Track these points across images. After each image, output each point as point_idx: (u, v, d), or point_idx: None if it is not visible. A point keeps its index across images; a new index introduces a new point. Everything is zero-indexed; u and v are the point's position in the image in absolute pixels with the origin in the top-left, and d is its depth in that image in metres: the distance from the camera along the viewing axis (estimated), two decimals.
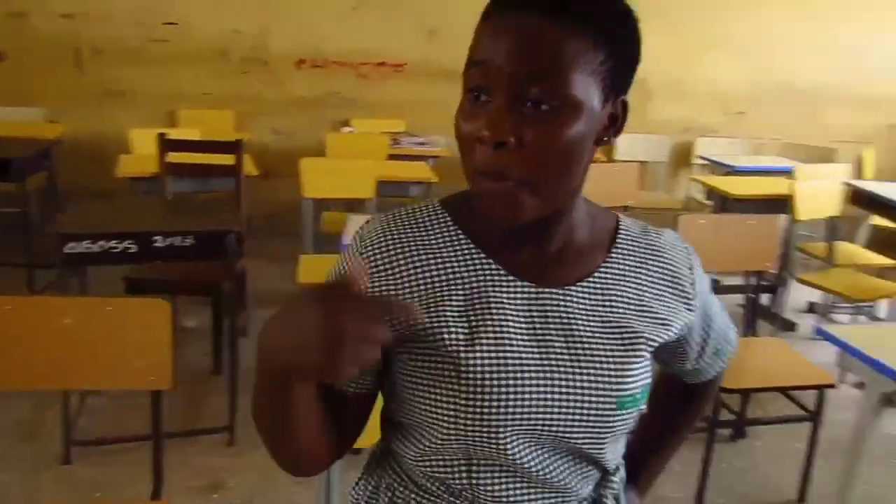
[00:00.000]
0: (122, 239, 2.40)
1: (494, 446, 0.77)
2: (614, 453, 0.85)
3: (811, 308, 4.24)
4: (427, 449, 0.81)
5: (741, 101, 5.21)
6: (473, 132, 0.72)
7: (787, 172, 4.29)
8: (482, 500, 0.81)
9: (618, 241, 0.86)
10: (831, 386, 2.36)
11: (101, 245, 2.38)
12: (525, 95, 0.70)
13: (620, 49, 0.74)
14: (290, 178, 4.84)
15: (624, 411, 0.80)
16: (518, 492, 0.81)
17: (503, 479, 0.80)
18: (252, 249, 3.22)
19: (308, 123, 4.90)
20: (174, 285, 2.91)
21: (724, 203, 3.97)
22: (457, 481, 0.81)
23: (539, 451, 0.79)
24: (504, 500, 0.81)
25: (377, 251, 0.80)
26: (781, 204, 3.60)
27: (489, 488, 0.80)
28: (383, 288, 0.79)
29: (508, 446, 0.77)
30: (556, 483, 0.81)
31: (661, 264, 0.87)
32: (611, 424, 0.79)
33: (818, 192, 3.72)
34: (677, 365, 0.95)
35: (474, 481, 0.80)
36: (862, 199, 4.14)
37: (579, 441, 0.79)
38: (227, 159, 3.33)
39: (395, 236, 0.81)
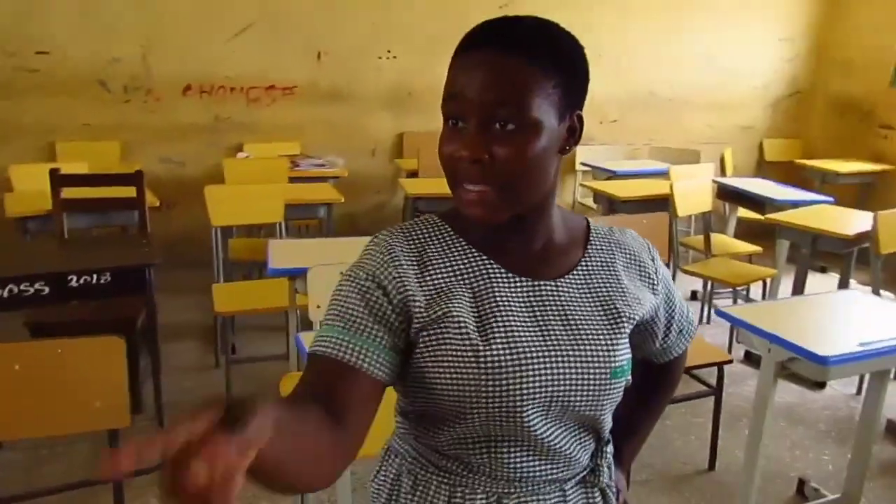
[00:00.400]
0: (32, 281, 2.30)
1: (514, 421, 0.88)
2: (607, 424, 0.99)
3: (694, 296, 4.64)
4: (450, 432, 0.91)
5: (615, 110, 5.62)
6: (454, 153, 0.86)
7: (662, 174, 4.69)
8: (501, 473, 0.92)
9: (591, 239, 1.01)
10: (729, 362, 2.63)
11: (9, 289, 2.27)
12: (494, 119, 0.84)
13: (569, 73, 0.88)
14: (185, 208, 4.75)
15: (616, 380, 0.94)
16: (531, 461, 0.92)
17: (519, 452, 0.91)
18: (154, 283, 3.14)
19: (199, 150, 4.79)
20: (86, 325, 2.78)
21: (612, 205, 4.28)
22: (477, 457, 0.91)
23: (549, 423, 0.91)
24: (520, 469, 0.92)
25: (396, 251, 0.90)
26: (662, 203, 3.94)
27: (507, 460, 0.91)
28: (401, 288, 0.88)
29: (526, 420, 0.88)
30: (562, 451, 0.93)
31: (627, 256, 1.02)
32: (607, 392, 0.93)
33: (692, 191, 4.10)
34: (648, 345, 1.09)
35: (494, 456, 0.91)
36: (727, 194, 4.61)
37: (583, 407, 0.92)
38: (126, 192, 3.22)
39: (409, 243, 0.92)
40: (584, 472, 0.99)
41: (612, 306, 0.96)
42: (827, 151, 6.01)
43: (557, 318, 0.92)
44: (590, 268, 0.98)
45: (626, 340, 0.97)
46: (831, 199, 4.15)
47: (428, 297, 0.88)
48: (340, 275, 0.93)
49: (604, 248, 1.01)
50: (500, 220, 0.88)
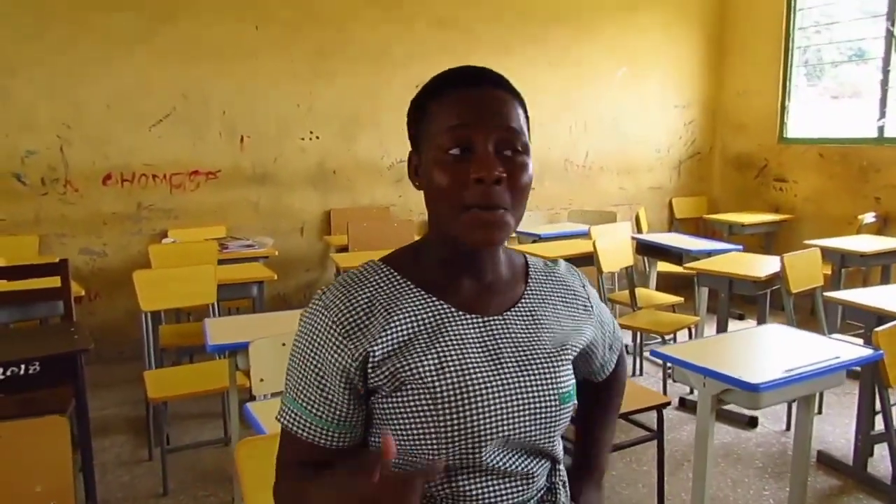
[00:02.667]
0: None
1: (474, 455, 0.92)
2: (559, 446, 1.04)
3: (626, 350, 4.77)
4: (410, 467, 0.93)
5: (533, 179, 5.84)
6: (464, 176, 0.91)
7: (583, 234, 4.89)
8: (462, 501, 0.95)
9: (530, 274, 1.09)
10: (667, 404, 2.73)
11: None
12: (508, 145, 0.93)
13: (525, 108, 1.00)
14: (108, 299, 4.61)
15: (564, 405, 1.00)
16: (490, 487, 0.96)
17: (477, 480, 0.95)
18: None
19: (122, 239, 4.69)
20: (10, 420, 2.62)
21: None
22: (439, 491, 0.94)
23: (507, 451, 0.96)
24: (481, 497, 0.95)
25: (345, 316, 0.94)
26: (587, 260, 4.10)
27: (467, 490, 0.94)
28: (359, 344, 0.92)
29: (485, 452, 0.93)
30: (519, 474, 0.97)
31: (563, 288, 1.10)
32: (557, 418, 0.99)
33: (613, 248, 4.29)
34: (588, 366, 1.16)
35: (455, 487, 0.94)
36: (646, 249, 4.84)
37: (537, 436, 0.97)
38: (49, 282, 3.11)
39: (356, 298, 0.95)
40: (542, 492, 1.02)
41: (555, 336, 1.03)
42: (730, 205, 6.44)
43: (509, 350, 0.98)
44: (532, 301, 1.05)
45: (570, 367, 1.03)
46: (740, 247, 4.43)
47: (384, 350, 0.92)
48: (288, 345, 1.01)
49: (542, 281, 1.09)
50: (502, 241, 0.95)
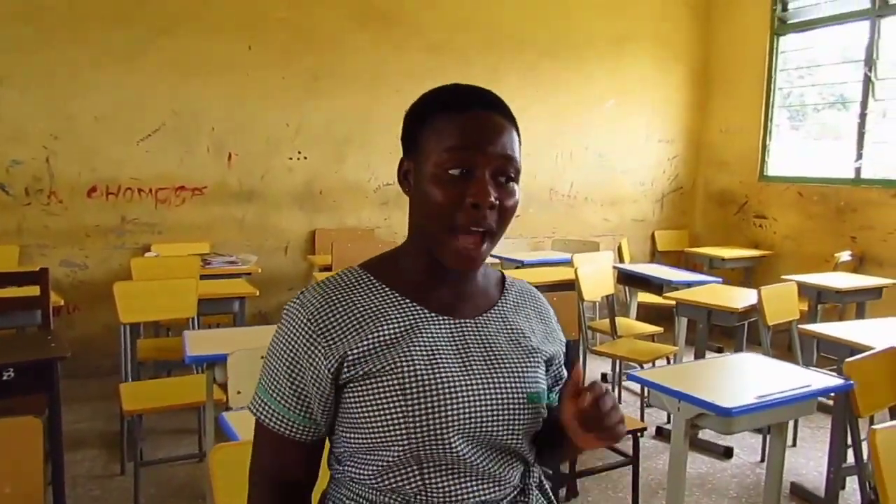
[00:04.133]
0: None
1: (442, 446, 0.94)
2: (530, 448, 1.05)
3: (604, 377, 4.80)
4: (382, 466, 0.96)
5: (518, 207, 5.91)
6: (460, 197, 0.94)
7: (566, 262, 4.94)
8: (435, 499, 0.96)
9: (506, 286, 1.13)
10: (644, 429, 2.74)
11: None
12: (503, 172, 0.97)
13: (519, 133, 1.03)
14: (87, 312, 4.58)
15: (531, 404, 1.02)
16: (461, 485, 0.97)
17: (448, 476, 0.96)
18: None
19: (104, 252, 4.67)
20: None
21: None
22: (411, 486, 0.95)
23: (475, 447, 0.97)
24: (452, 494, 0.96)
25: (322, 315, 0.97)
26: (569, 287, 4.14)
27: (438, 485, 0.96)
28: (333, 345, 0.95)
29: (453, 444, 0.94)
30: (490, 473, 0.99)
31: (536, 306, 1.15)
32: (523, 414, 1.01)
33: (595, 275, 4.34)
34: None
35: (426, 482, 0.95)
36: (627, 279, 4.89)
37: (502, 432, 0.99)
38: (27, 291, 3.09)
39: (334, 299, 0.98)
40: (515, 493, 1.03)
41: (526, 342, 1.06)
42: (711, 240, 6.52)
43: (478, 351, 1.01)
44: (506, 309, 1.09)
45: (542, 370, 1.06)
46: (719, 279, 4.49)
47: (360, 351, 0.95)
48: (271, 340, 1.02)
49: (517, 295, 1.13)
50: (478, 266, 1.00)
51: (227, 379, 2.30)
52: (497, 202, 0.95)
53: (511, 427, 0.99)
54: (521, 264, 4.95)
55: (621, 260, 5.81)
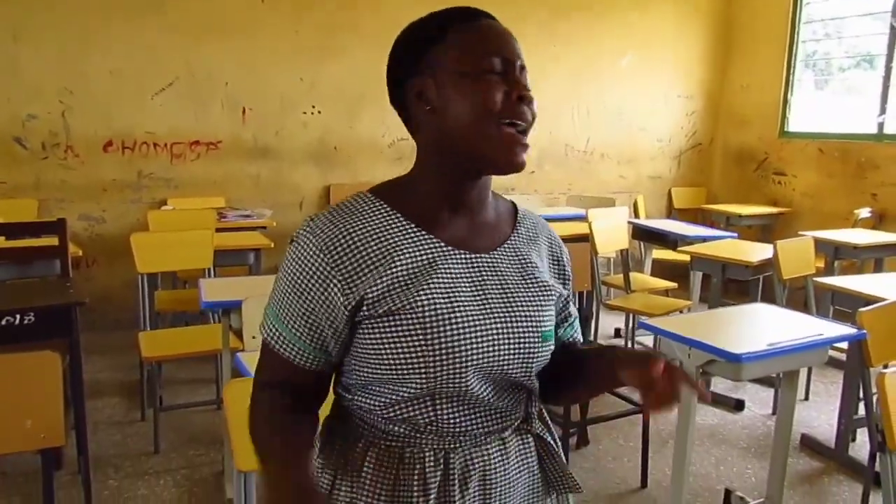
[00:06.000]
0: None
1: (459, 382, 0.94)
2: (536, 382, 1.05)
3: (617, 333, 4.82)
4: (395, 399, 0.96)
5: (533, 163, 5.88)
6: (508, 93, 0.94)
7: (581, 218, 4.92)
8: (445, 429, 0.97)
9: (518, 218, 1.11)
10: None
11: None
12: (523, 76, 0.98)
13: None
14: (106, 266, 4.64)
15: (545, 343, 1.02)
16: (471, 416, 0.98)
17: (459, 408, 0.97)
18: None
19: (121, 207, 4.71)
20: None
21: None
22: (423, 416, 0.96)
23: (489, 382, 0.98)
24: (462, 424, 0.98)
25: (336, 248, 0.94)
26: (583, 241, 4.13)
27: (449, 416, 0.97)
28: (349, 282, 0.93)
29: (469, 380, 0.95)
30: (498, 406, 1.00)
31: (548, 240, 1.13)
32: (536, 353, 1.01)
33: (610, 230, 4.32)
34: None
35: (438, 413, 0.96)
36: (642, 234, 4.87)
37: (517, 368, 0.99)
38: (47, 241, 3.14)
39: (348, 230, 0.95)
40: (518, 422, 1.05)
41: (540, 277, 1.05)
42: (728, 197, 6.45)
43: (495, 287, 1.00)
44: (519, 243, 1.07)
45: (553, 308, 1.06)
46: (735, 234, 4.45)
47: (378, 290, 0.93)
48: (290, 243, 0.98)
49: (529, 227, 1.10)
50: (524, 166, 0.98)
51: (243, 325, 2.33)
52: (530, 93, 0.96)
53: (525, 364, 1.00)
54: None
55: (637, 216, 5.77)
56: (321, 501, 0.93)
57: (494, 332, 0.97)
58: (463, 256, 0.99)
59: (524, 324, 0.99)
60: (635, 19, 6.09)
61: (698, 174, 6.70)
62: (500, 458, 1.01)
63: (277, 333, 0.98)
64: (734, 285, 4.22)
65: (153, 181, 4.80)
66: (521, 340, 0.99)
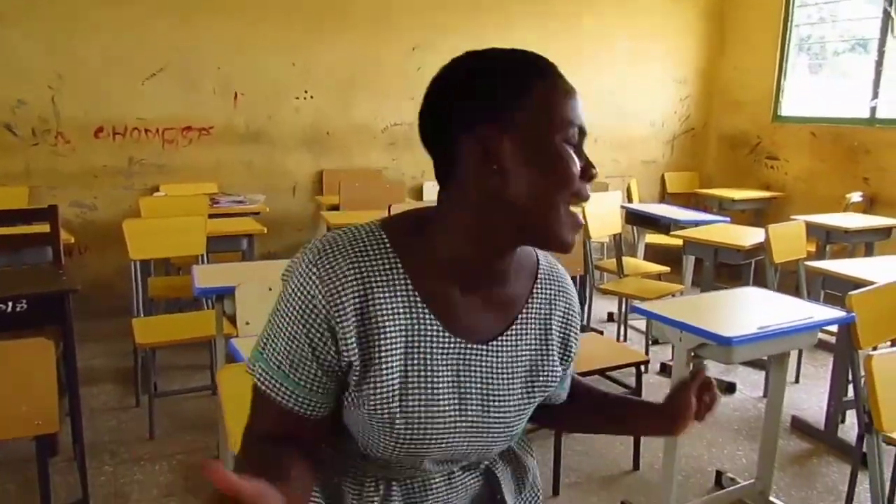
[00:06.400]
0: None
1: (411, 466, 0.95)
2: None
3: (610, 317, 4.84)
4: (357, 448, 0.94)
5: None
6: (583, 170, 0.86)
7: None
8: (395, 471, 0.96)
9: (539, 278, 0.99)
10: (647, 362, 2.78)
11: None
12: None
13: None
14: (98, 253, 4.63)
15: (514, 436, 1.00)
16: (426, 468, 0.97)
17: (418, 467, 0.96)
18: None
19: (113, 193, 4.69)
20: None
21: None
22: (376, 462, 0.95)
23: (444, 462, 0.97)
24: (412, 472, 0.97)
25: (343, 299, 0.84)
26: None
27: (407, 468, 0.96)
28: (349, 343, 0.85)
29: (424, 466, 0.95)
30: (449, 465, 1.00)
31: (565, 302, 1.01)
32: (506, 445, 1.01)
33: (603, 215, 4.33)
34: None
35: (395, 464, 0.95)
36: (635, 218, 4.88)
37: (476, 457, 1.00)
38: (38, 229, 3.13)
39: (358, 279, 0.85)
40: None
41: (533, 375, 0.97)
42: (722, 182, 6.47)
43: (477, 385, 0.92)
44: (527, 322, 0.97)
45: (531, 409, 1.00)
46: (728, 219, 4.47)
47: (363, 343, 0.86)
48: (282, 279, 0.90)
49: (546, 294, 1.00)
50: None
51: (236, 311, 2.34)
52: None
53: (487, 455, 1.00)
54: None
55: (630, 200, 5.78)
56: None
57: (465, 437, 0.93)
58: (455, 345, 0.90)
59: (500, 428, 0.95)
60: (629, 3, 6.07)
61: (691, 158, 6.71)
62: (444, 491, 1.01)
63: (278, 384, 0.88)
64: (727, 269, 4.24)
65: (145, 167, 4.78)
66: (489, 440, 0.95)
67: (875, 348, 2.46)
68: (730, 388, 3.72)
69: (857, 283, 2.88)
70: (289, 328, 0.86)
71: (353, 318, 0.84)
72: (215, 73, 4.84)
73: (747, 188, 6.13)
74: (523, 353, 0.96)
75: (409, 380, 0.87)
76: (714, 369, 3.84)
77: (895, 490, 2.68)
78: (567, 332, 1.02)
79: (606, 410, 1.13)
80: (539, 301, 0.98)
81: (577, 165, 0.85)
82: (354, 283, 0.84)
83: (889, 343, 2.52)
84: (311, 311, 0.84)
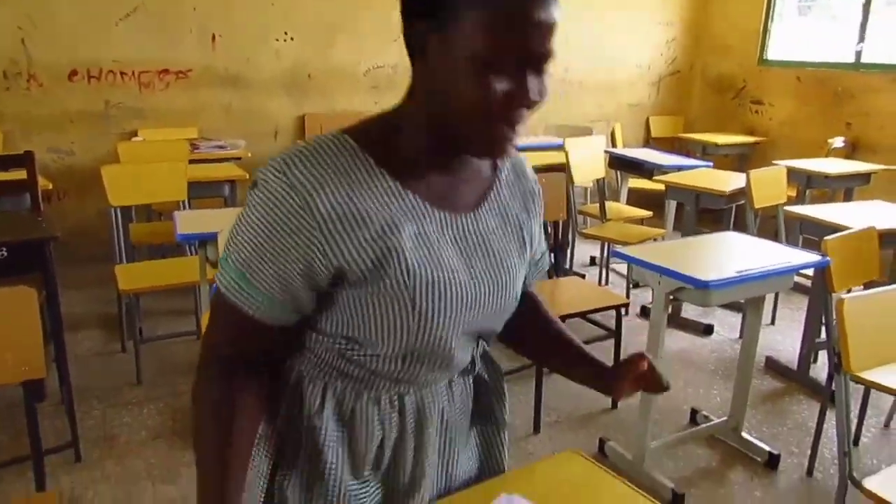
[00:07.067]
0: None
1: (438, 346, 0.93)
2: None
3: (592, 261, 4.89)
4: (366, 353, 0.93)
5: None
6: (518, 98, 0.80)
7: (558, 147, 4.90)
8: (405, 380, 0.97)
9: (500, 162, 1.02)
10: (626, 305, 2.83)
11: None
12: (543, 66, 0.82)
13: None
14: (77, 199, 4.57)
15: (517, 300, 1.02)
16: (434, 373, 0.99)
17: (427, 367, 0.97)
18: None
19: (90, 138, 4.61)
20: None
21: None
22: (388, 369, 0.95)
23: (461, 340, 0.97)
24: (422, 378, 0.99)
25: (318, 201, 0.83)
26: (560, 171, 4.13)
27: (414, 373, 0.97)
28: (333, 242, 0.84)
29: (450, 346, 0.95)
30: (459, 361, 1.01)
31: (525, 182, 1.06)
32: (511, 311, 1.02)
33: (587, 160, 4.33)
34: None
35: (404, 369, 0.95)
36: (619, 163, 4.88)
37: (493, 326, 1.01)
38: (15, 175, 3.08)
39: (330, 183, 0.83)
40: (464, 366, 1.07)
41: (521, 234, 1.02)
42: (706, 126, 6.46)
43: (479, 250, 0.95)
44: (500, 194, 1.01)
45: (525, 266, 1.05)
46: (710, 163, 4.49)
47: (358, 253, 0.85)
48: (248, 193, 0.88)
49: (510, 171, 1.04)
50: (510, 156, 0.90)
51: (219, 257, 2.34)
52: (540, 97, 0.82)
53: (500, 323, 1.02)
54: None
55: (614, 145, 5.77)
56: None
57: (480, 300, 0.94)
58: (448, 218, 0.92)
59: (507, 288, 0.98)
60: None
61: (676, 102, 6.68)
62: (447, 399, 1.05)
63: (241, 290, 0.87)
64: (709, 214, 4.27)
65: (122, 111, 4.68)
66: (503, 304, 0.98)
67: (849, 291, 2.51)
68: (707, 330, 3.81)
69: (835, 228, 2.92)
70: (259, 239, 0.84)
71: (335, 221, 0.83)
72: (191, 14, 4.70)
73: (731, 133, 6.13)
74: (508, 216, 1.00)
75: (418, 259, 0.87)
76: (693, 312, 3.92)
77: (861, 426, 2.79)
78: (533, 194, 1.06)
79: (560, 347, 1.14)
80: (504, 177, 1.02)
81: (508, 91, 0.80)
82: (328, 185, 0.83)
83: (862, 286, 2.58)
84: (281, 219, 0.83)
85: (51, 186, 3.50)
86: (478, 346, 1.08)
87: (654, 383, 1.06)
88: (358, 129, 0.90)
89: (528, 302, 1.16)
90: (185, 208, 3.42)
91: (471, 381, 1.10)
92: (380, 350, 0.92)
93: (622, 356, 3.05)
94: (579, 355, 1.13)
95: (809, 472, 2.58)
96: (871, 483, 1.73)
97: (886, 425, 2.91)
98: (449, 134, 0.87)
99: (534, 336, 1.17)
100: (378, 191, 0.86)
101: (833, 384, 2.06)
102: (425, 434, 1.02)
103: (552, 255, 3.55)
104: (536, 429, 2.80)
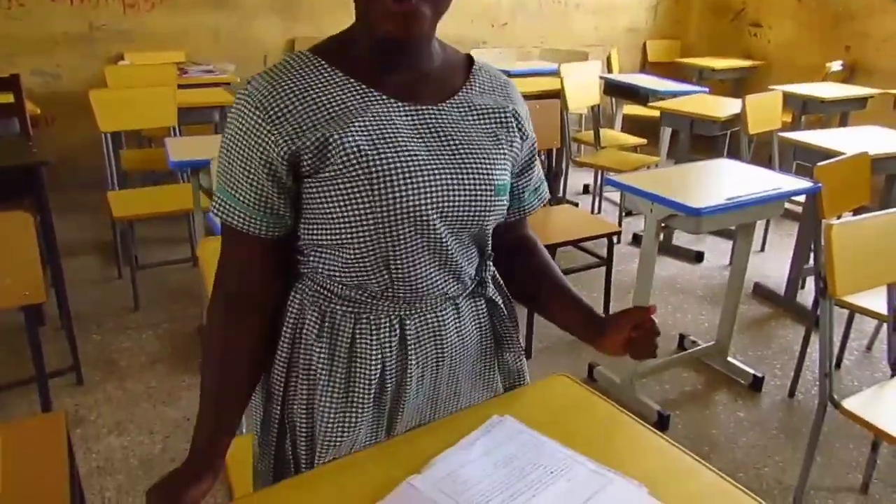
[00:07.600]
0: None
1: (410, 240, 0.93)
2: (489, 239, 1.06)
3: (585, 189, 4.90)
4: (349, 256, 0.95)
5: (505, 14, 5.68)
6: None
7: (553, 73, 4.83)
8: (401, 294, 0.98)
9: (473, 70, 1.04)
10: (618, 233, 2.85)
11: None
12: None
13: None
14: (66, 123, 4.50)
15: (498, 197, 1.00)
16: (427, 276, 0.98)
17: (415, 268, 0.97)
18: None
19: (75, 61, 4.50)
20: None
21: None
22: (378, 281, 0.96)
23: (440, 238, 0.96)
24: (418, 286, 0.98)
25: (271, 103, 0.89)
26: (555, 97, 4.08)
27: (406, 278, 0.96)
28: (286, 136, 0.88)
29: (421, 236, 0.94)
30: (453, 262, 1.00)
31: (506, 98, 1.04)
32: (490, 205, 0.99)
33: (582, 86, 4.27)
34: (514, 198, 1.12)
35: (393, 276, 0.96)
36: (614, 89, 4.82)
37: (469, 221, 0.98)
38: (1, 99, 3.02)
39: (283, 86, 0.90)
40: (473, 285, 1.07)
41: (492, 130, 1.01)
42: (704, 50, 6.35)
43: (443, 139, 0.95)
44: (471, 95, 1.01)
45: (506, 161, 1.02)
46: (706, 89, 4.43)
47: (315, 141, 0.89)
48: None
49: (486, 81, 1.03)
50: (419, 34, 0.90)
51: (213, 184, 2.33)
52: None
53: (479, 217, 0.98)
54: (507, 74, 4.82)
55: (610, 70, 5.69)
56: (211, 470, 0.97)
57: (445, 183, 0.94)
58: (408, 109, 0.95)
59: (475, 175, 0.96)
60: None
61: (674, 25, 6.54)
62: (453, 322, 1.04)
63: (227, 206, 0.94)
64: (703, 141, 4.26)
65: (106, 33, 4.55)
66: (474, 192, 0.96)
67: (840, 217, 2.54)
68: (698, 257, 3.85)
69: (828, 154, 2.92)
70: (230, 153, 0.92)
71: (286, 114, 0.89)
72: None
73: (729, 57, 6.03)
74: (477, 112, 1.01)
75: (372, 142, 0.90)
76: (684, 239, 3.96)
77: (844, 350, 2.87)
78: (517, 109, 1.05)
79: (555, 293, 1.15)
80: (478, 84, 1.03)
81: None
82: (283, 88, 0.90)
83: (852, 212, 2.61)
84: (242, 128, 0.90)
85: (38, 111, 3.44)
86: (484, 265, 1.07)
87: (644, 346, 1.04)
88: (319, 45, 0.97)
89: (526, 244, 1.17)
90: (175, 134, 3.38)
91: (482, 304, 1.08)
92: (354, 250, 0.93)
93: (613, 284, 3.13)
94: (574, 302, 1.14)
95: (791, 393, 2.67)
96: (849, 403, 1.80)
97: (868, 348, 2.99)
98: (367, 24, 0.91)
99: (529, 279, 1.16)
100: (336, 89, 0.92)
101: (818, 309, 2.11)
102: (429, 359, 1.03)
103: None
104: (528, 354, 2.87)
